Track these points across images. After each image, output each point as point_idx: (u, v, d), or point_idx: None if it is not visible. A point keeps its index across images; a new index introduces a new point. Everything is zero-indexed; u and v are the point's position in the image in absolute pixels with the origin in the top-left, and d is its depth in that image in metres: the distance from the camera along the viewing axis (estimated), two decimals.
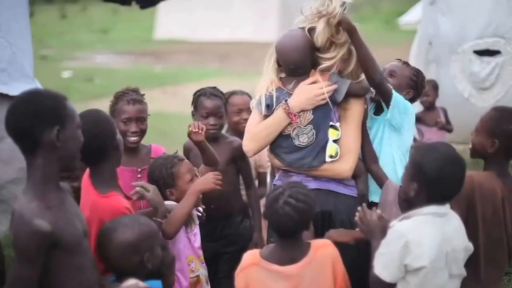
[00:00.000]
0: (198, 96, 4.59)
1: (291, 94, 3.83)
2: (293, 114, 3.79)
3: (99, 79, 16.54)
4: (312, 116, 3.80)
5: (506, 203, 3.52)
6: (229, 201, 4.58)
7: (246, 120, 4.76)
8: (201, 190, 3.78)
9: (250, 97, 4.95)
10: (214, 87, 4.66)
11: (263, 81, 3.96)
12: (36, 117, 2.81)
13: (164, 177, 3.87)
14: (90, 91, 14.45)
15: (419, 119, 7.00)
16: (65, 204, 2.90)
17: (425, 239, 3.04)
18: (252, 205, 4.71)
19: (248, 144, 3.94)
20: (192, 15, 24.27)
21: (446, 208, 3.14)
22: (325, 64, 3.81)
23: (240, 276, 3.20)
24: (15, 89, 5.91)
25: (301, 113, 3.79)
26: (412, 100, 4.09)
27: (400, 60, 4.18)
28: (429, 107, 7.41)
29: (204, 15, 24.35)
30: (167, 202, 3.75)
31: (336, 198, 3.82)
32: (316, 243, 3.24)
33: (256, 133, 3.90)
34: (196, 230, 3.98)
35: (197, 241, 3.98)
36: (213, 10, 24.30)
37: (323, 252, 3.21)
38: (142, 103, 4.15)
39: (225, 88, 5.02)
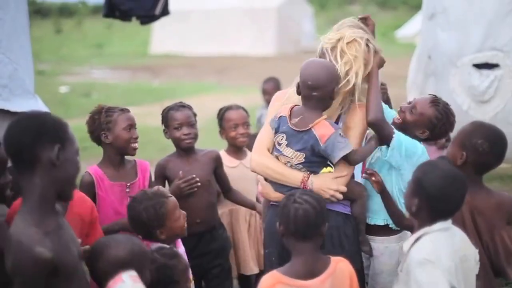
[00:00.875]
0: (166, 112, 4.63)
1: (292, 129, 3.73)
2: (305, 185, 3.73)
3: (97, 94, 16.53)
4: (304, 160, 3.73)
5: (476, 215, 3.59)
6: (215, 212, 4.66)
7: (242, 134, 4.97)
8: None
9: (246, 111, 5.03)
10: (180, 101, 4.72)
11: (284, 101, 3.92)
12: (38, 133, 2.77)
13: (153, 219, 3.67)
14: (88, 106, 14.33)
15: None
16: (62, 229, 2.84)
17: (443, 258, 3.13)
18: (240, 199, 4.83)
19: (255, 166, 3.90)
20: (188, 29, 24.31)
21: (448, 222, 3.23)
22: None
23: None
24: (16, 105, 5.88)
25: (293, 153, 3.75)
26: (428, 140, 3.96)
27: (433, 96, 3.99)
28: None
29: (200, 29, 24.39)
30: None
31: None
32: (333, 258, 3.22)
33: (268, 167, 3.84)
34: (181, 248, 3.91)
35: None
36: (210, 24, 24.35)
37: (342, 266, 3.21)
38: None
39: (222, 102, 5.04)
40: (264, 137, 3.90)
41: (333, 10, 32.01)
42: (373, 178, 3.80)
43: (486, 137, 3.60)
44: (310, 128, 3.68)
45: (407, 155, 3.81)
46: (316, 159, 3.72)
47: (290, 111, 3.77)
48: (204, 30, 24.41)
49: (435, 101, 3.90)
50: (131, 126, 4.24)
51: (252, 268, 5.02)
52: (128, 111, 4.30)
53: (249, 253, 5.03)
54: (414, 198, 3.19)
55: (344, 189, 3.74)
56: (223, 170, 4.74)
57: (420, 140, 3.93)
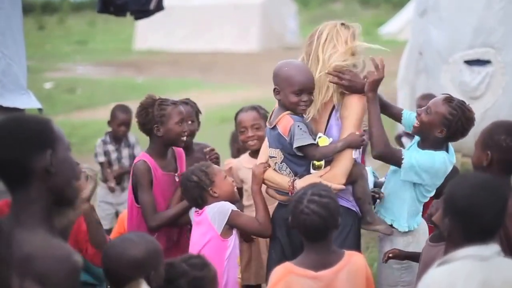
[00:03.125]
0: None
1: (268, 128, 3.89)
2: (292, 191, 3.78)
3: (81, 90, 16.48)
4: (283, 156, 3.83)
5: (507, 219, 3.18)
6: None
7: (250, 137, 4.78)
8: (259, 187, 3.98)
9: (259, 112, 4.86)
10: (187, 98, 4.83)
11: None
12: (24, 142, 2.47)
13: (202, 178, 4.00)
14: (73, 102, 14.37)
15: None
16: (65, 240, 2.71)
17: None
18: None
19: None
20: (172, 25, 24.19)
21: (490, 249, 2.66)
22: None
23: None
24: (9, 101, 5.89)
25: (274, 152, 3.86)
26: (448, 140, 3.94)
27: (447, 94, 3.99)
28: None
29: (184, 25, 24.30)
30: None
31: None
32: (347, 251, 3.21)
33: (265, 179, 3.97)
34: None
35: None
36: (193, 20, 24.26)
37: (357, 259, 3.19)
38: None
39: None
40: (265, 146, 4.02)
41: (316, 8, 32.04)
42: None
43: (508, 131, 3.47)
44: (275, 125, 3.81)
45: (424, 170, 3.84)
46: (291, 155, 3.79)
47: (272, 111, 3.92)
48: (188, 26, 24.32)
49: (448, 99, 3.91)
50: (183, 120, 4.27)
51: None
52: (180, 104, 4.34)
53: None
54: (444, 218, 2.77)
55: (332, 185, 3.65)
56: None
57: (441, 142, 3.91)
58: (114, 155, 6.83)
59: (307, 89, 3.76)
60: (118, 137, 6.82)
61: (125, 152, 6.84)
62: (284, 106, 3.80)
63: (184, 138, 4.28)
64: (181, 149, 4.42)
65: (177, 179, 4.30)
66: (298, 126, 3.71)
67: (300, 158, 3.79)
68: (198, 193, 4.02)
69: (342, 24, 3.95)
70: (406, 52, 9.80)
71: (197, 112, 4.84)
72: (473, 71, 8.76)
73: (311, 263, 3.11)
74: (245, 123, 4.81)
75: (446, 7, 8.89)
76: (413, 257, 3.85)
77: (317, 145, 3.73)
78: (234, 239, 3.97)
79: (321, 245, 3.14)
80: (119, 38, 27.71)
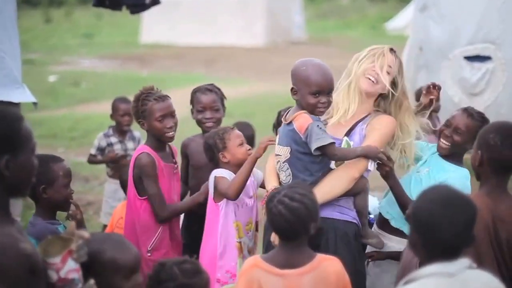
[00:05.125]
0: (194, 93, 4.71)
1: (283, 124, 3.91)
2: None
3: (86, 83, 16.49)
4: (289, 155, 3.82)
5: (499, 225, 3.21)
6: None
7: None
8: (256, 157, 4.03)
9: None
10: (211, 84, 4.77)
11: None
12: None
13: (216, 142, 4.20)
14: (76, 95, 14.40)
15: None
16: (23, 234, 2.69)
17: None
18: None
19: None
20: (178, 20, 24.20)
21: (457, 265, 2.56)
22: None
23: (242, 280, 3.15)
24: (3, 95, 5.93)
25: (281, 150, 3.86)
26: None
27: (461, 109, 4.10)
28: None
29: (190, 20, 24.30)
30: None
31: (323, 222, 3.67)
32: (322, 255, 3.17)
33: (266, 168, 4.09)
34: (249, 202, 4.24)
35: (246, 214, 4.23)
36: (198, 15, 24.26)
37: (327, 265, 3.11)
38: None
39: None
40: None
41: (323, 2, 31.97)
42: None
43: (497, 130, 3.35)
44: (291, 121, 3.78)
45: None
46: (301, 153, 3.77)
47: (288, 109, 3.93)
48: (193, 20, 24.30)
49: (466, 111, 4.04)
50: (164, 116, 4.21)
51: None
52: (164, 99, 4.26)
53: None
54: (413, 234, 2.65)
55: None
56: None
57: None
58: (117, 147, 6.73)
59: (326, 90, 3.74)
60: (122, 129, 6.75)
61: (130, 144, 6.75)
62: (302, 107, 3.77)
63: (170, 134, 4.25)
64: (175, 147, 4.44)
65: (175, 171, 4.38)
66: (318, 125, 3.70)
67: (307, 162, 3.78)
68: (211, 156, 4.24)
69: (391, 50, 4.00)
70: (407, 47, 9.80)
71: (222, 98, 4.76)
72: (473, 67, 8.79)
73: (278, 260, 3.10)
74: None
75: (447, 3, 8.94)
76: (394, 256, 3.85)
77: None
78: (225, 203, 4.12)
79: (292, 245, 3.11)
80: (125, 32, 27.71)
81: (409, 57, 9.53)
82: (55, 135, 11.47)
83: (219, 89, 4.76)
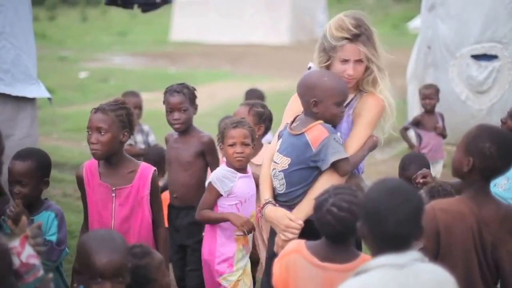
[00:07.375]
0: (165, 94, 4.77)
1: (288, 133, 3.70)
2: (258, 213, 3.80)
3: (114, 80, 16.86)
4: (287, 167, 3.67)
5: (484, 228, 3.16)
6: (191, 193, 4.69)
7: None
8: (230, 220, 4.18)
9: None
10: (182, 83, 4.78)
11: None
12: None
13: (220, 132, 4.34)
14: (104, 91, 14.73)
15: (418, 123, 7.14)
16: None
17: None
18: None
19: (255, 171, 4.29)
20: (207, 18, 24.56)
21: (407, 257, 2.54)
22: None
23: (281, 262, 3.10)
24: (18, 90, 6.12)
25: (281, 159, 3.70)
26: None
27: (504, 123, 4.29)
28: (431, 110, 7.24)
29: (218, 18, 24.62)
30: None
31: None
32: (366, 256, 3.05)
33: (260, 176, 3.92)
34: (251, 197, 4.32)
35: (249, 208, 4.30)
36: (227, 14, 24.56)
37: None
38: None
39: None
40: (272, 145, 3.92)
41: (348, 1, 32.00)
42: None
43: (492, 139, 3.22)
44: (303, 133, 3.61)
45: None
46: (300, 168, 3.63)
47: (295, 118, 3.75)
48: (220, 18, 24.62)
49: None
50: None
51: None
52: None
53: None
54: (361, 225, 2.63)
55: (299, 223, 3.59)
56: (216, 159, 4.78)
57: None
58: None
59: (346, 99, 3.70)
60: None
61: (138, 137, 6.85)
62: (323, 117, 3.62)
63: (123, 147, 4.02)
64: (149, 170, 3.99)
65: (113, 195, 3.92)
66: (334, 138, 3.57)
67: (305, 176, 3.64)
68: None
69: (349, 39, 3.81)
70: (416, 46, 9.92)
71: (192, 98, 4.75)
72: (480, 65, 8.89)
73: (321, 253, 3.05)
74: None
75: (454, 3, 9.03)
76: None
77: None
78: (227, 201, 4.26)
79: (339, 245, 3.08)
80: (157, 30, 28.10)
81: (418, 56, 9.66)
82: (80, 129, 11.83)
83: (189, 89, 4.74)
